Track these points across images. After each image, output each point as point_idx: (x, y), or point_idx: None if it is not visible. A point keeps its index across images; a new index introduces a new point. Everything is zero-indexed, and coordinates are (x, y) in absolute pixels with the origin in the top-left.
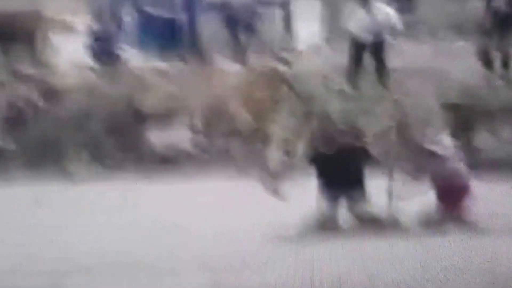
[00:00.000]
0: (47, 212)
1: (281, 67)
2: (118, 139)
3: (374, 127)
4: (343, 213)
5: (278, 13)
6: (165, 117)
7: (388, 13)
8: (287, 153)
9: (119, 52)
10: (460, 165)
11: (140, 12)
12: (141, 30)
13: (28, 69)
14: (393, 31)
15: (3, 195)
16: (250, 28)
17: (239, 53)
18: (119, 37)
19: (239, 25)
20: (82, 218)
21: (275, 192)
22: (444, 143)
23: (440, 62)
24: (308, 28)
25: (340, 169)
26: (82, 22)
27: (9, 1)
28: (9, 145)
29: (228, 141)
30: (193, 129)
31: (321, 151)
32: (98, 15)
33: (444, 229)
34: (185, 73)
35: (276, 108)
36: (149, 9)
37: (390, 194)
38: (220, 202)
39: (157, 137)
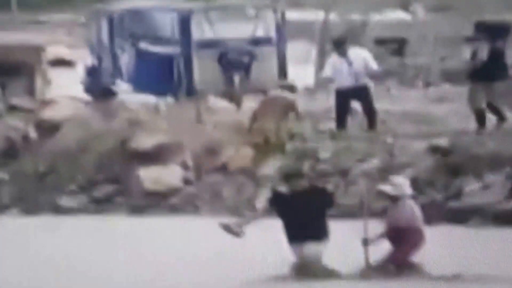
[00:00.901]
0: (38, 243)
1: (289, 94)
2: (108, 173)
3: (360, 167)
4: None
5: (272, 54)
6: (156, 153)
7: (364, 58)
8: None
9: (113, 87)
10: (413, 208)
11: (136, 48)
12: (136, 66)
13: (23, 102)
14: (371, 74)
15: None
16: (244, 68)
17: (232, 92)
18: (113, 73)
19: (233, 65)
20: (71, 251)
21: (231, 229)
22: (399, 184)
23: (429, 106)
24: (301, 71)
25: (300, 211)
26: (80, 57)
27: (8, 35)
28: (2, 175)
29: (218, 179)
30: (183, 165)
31: (281, 192)
32: (94, 51)
33: (390, 273)
34: (178, 111)
35: (268, 147)
36: (145, 45)
37: (364, 240)
38: (204, 239)
39: (147, 173)
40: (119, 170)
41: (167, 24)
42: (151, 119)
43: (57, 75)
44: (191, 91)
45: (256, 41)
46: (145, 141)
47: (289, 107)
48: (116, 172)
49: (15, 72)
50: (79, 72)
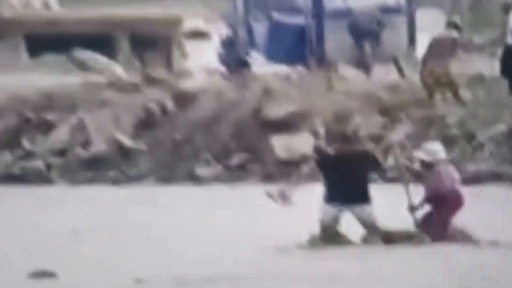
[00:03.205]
0: (170, 213)
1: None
2: (242, 142)
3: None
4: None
5: (402, 23)
6: (288, 121)
7: None
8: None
9: (247, 58)
10: (450, 173)
11: (270, 19)
12: (269, 37)
13: (161, 73)
14: None
15: (130, 194)
16: (374, 37)
17: (362, 61)
18: (248, 44)
19: (363, 34)
20: (208, 220)
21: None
22: (433, 151)
23: None
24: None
25: (345, 174)
26: (216, 29)
27: (146, 7)
28: (140, 146)
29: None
30: (314, 133)
31: (328, 154)
32: (230, 23)
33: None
34: (309, 80)
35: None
36: (278, 16)
37: (411, 207)
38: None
39: (279, 141)
40: (252, 139)
41: None
42: (283, 89)
43: (193, 47)
44: (322, 60)
45: (386, 9)
46: (277, 110)
47: (456, 45)
48: (249, 141)
49: (153, 44)
50: (215, 44)
